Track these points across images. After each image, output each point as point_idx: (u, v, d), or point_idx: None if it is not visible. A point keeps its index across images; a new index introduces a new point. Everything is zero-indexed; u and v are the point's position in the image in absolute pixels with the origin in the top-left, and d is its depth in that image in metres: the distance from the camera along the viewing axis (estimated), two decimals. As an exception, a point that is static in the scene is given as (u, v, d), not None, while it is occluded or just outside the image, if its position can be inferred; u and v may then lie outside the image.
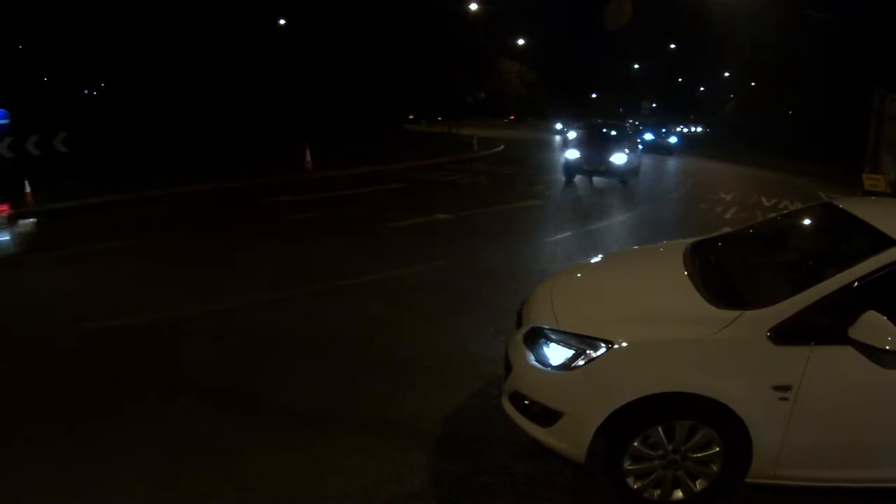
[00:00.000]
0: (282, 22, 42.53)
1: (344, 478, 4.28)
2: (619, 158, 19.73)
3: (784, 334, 3.63)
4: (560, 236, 12.10)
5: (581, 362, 3.86)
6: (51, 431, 4.75)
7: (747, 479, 3.88)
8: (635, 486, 3.92)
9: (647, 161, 23.02)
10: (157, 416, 4.99)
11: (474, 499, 4.15)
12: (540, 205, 16.32)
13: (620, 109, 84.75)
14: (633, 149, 21.62)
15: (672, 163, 35.36)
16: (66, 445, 4.56)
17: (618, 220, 14.51)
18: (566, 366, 3.91)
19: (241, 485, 4.17)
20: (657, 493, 3.93)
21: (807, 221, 5.56)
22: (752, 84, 62.13)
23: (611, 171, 19.88)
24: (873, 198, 11.72)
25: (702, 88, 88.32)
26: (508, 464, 4.48)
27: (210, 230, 11.89)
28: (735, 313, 3.77)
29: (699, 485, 3.91)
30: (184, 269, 9.08)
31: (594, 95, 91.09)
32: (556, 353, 4.00)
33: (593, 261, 5.66)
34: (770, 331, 3.63)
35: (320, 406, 5.24)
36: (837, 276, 3.69)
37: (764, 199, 19.71)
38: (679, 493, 3.94)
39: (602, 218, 14.51)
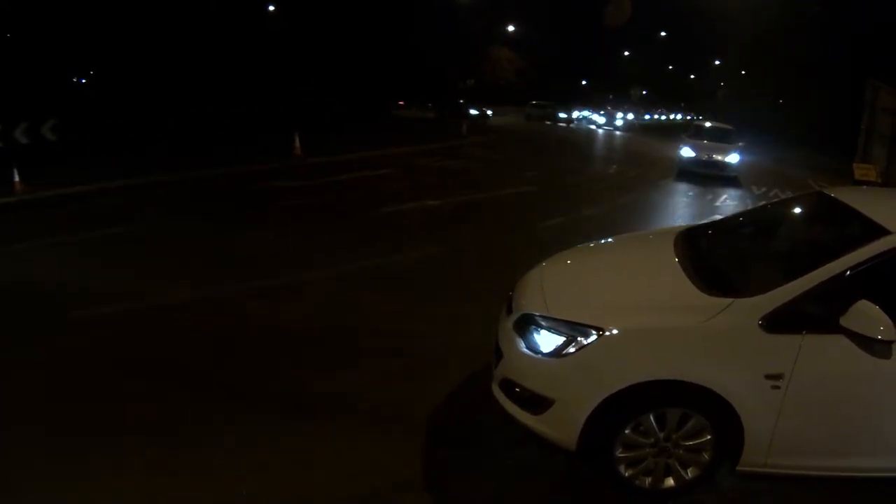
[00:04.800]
0: (271, 8, 42.24)
1: (335, 465, 4.27)
2: None
3: (776, 322, 3.62)
4: (552, 222, 12.07)
5: (572, 349, 3.84)
6: (40, 419, 4.71)
7: (739, 468, 3.88)
8: (626, 474, 3.91)
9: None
10: (145, 406, 4.94)
11: (466, 487, 4.14)
12: (531, 191, 16.30)
13: (610, 96, 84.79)
14: None
15: (661, 149, 35.39)
16: (55, 435, 4.52)
17: (609, 206, 14.48)
18: (557, 353, 3.89)
19: (232, 473, 4.15)
20: (648, 480, 3.93)
21: (798, 210, 5.55)
22: (743, 72, 62.19)
23: None
24: (864, 187, 11.77)
25: (692, 76, 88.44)
26: (500, 451, 4.47)
27: (199, 217, 11.80)
28: (727, 301, 3.76)
29: (690, 473, 3.91)
30: (173, 256, 9.02)
31: (584, 82, 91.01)
32: (547, 340, 3.98)
33: (584, 247, 5.63)
34: (762, 319, 3.62)
35: (311, 394, 5.22)
36: (829, 264, 3.68)
37: (754, 188, 19.74)
38: (670, 481, 3.94)
39: (593, 204, 14.48)
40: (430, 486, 4.12)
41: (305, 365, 5.74)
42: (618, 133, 52.90)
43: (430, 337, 6.40)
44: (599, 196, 16.13)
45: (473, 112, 48.14)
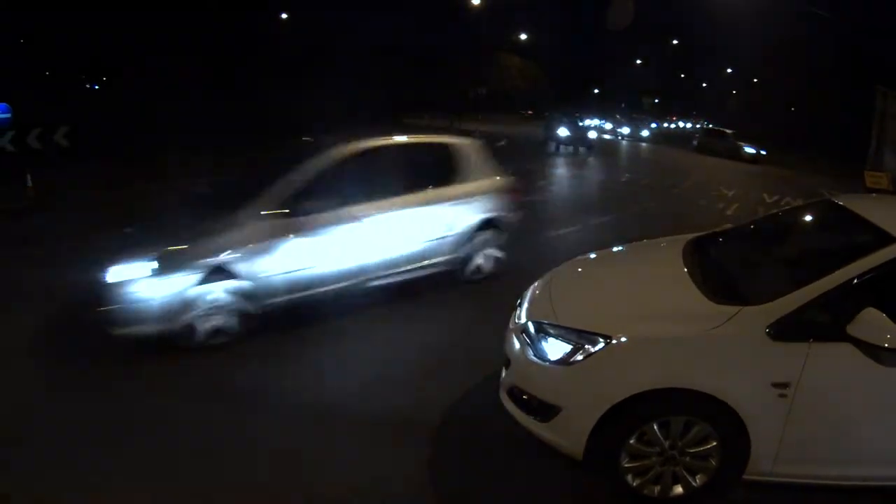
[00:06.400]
0: (284, 16, 42.48)
1: (343, 473, 4.29)
2: None
3: (783, 331, 3.62)
4: (564, 231, 12.07)
5: (579, 357, 3.86)
6: (53, 424, 4.75)
7: (745, 476, 3.87)
8: (633, 483, 3.92)
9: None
10: (155, 411, 4.98)
11: (475, 494, 4.16)
12: (543, 200, 16.28)
13: (622, 105, 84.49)
14: None
15: (673, 158, 35.37)
16: (67, 442, 4.55)
17: (621, 215, 14.45)
18: (564, 361, 3.92)
19: (239, 479, 4.18)
20: (656, 489, 3.93)
21: (807, 218, 5.55)
22: (755, 81, 61.94)
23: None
24: (874, 195, 11.67)
25: (704, 84, 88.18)
26: (509, 459, 4.48)
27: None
28: (734, 309, 3.77)
29: (697, 481, 3.91)
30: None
31: (596, 91, 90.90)
32: (555, 348, 4.00)
33: (592, 256, 5.64)
34: (769, 327, 3.63)
35: (318, 401, 5.23)
36: (837, 272, 3.68)
37: (766, 196, 19.66)
38: (678, 489, 3.94)
39: (605, 213, 14.46)
40: (440, 494, 4.13)
41: (312, 371, 5.77)
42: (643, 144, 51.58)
43: (439, 344, 6.42)
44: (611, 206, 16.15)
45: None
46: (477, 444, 4.68)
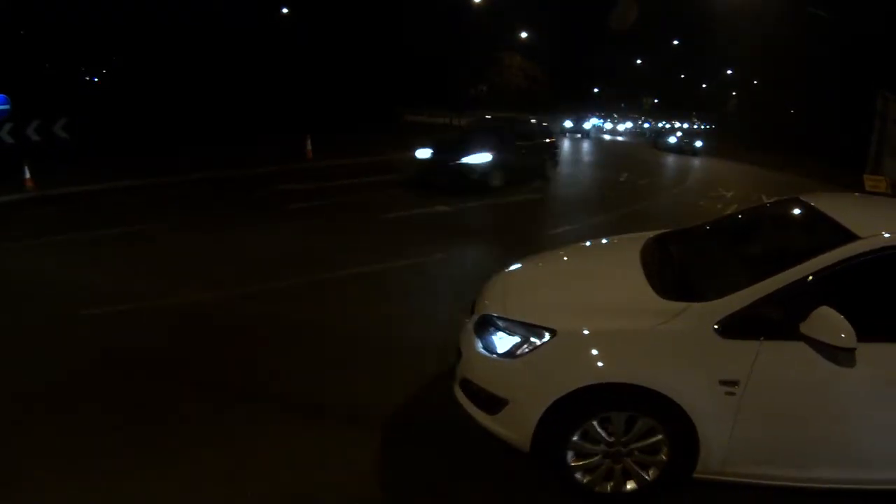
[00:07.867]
0: (284, 11, 42.45)
1: (335, 469, 4.27)
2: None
3: (732, 328, 3.56)
4: (559, 230, 12.03)
5: (525, 350, 3.82)
6: (45, 415, 4.79)
7: (696, 475, 3.80)
8: (577, 475, 3.88)
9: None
10: (149, 405, 4.97)
11: (467, 492, 4.12)
12: (539, 198, 16.30)
13: (622, 105, 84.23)
14: None
15: (671, 159, 35.30)
16: (59, 433, 4.55)
17: (617, 214, 14.35)
18: (511, 353, 3.88)
19: (228, 473, 4.16)
20: (599, 483, 3.89)
21: (772, 216, 5.48)
22: (755, 82, 61.60)
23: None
24: (856, 194, 11.51)
25: (704, 85, 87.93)
26: (503, 457, 4.40)
27: (209, 218, 11.93)
28: (682, 305, 3.71)
29: (646, 477, 3.85)
30: (182, 257, 9.11)
31: (596, 90, 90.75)
32: (503, 341, 3.97)
33: (552, 251, 5.61)
34: (717, 324, 3.57)
35: (313, 397, 5.22)
36: (790, 270, 3.62)
37: (764, 197, 19.52)
38: (626, 485, 3.89)
39: (601, 213, 14.37)
40: (432, 490, 4.11)
41: (308, 366, 5.75)
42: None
43: (434, 341, 6.35)
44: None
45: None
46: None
